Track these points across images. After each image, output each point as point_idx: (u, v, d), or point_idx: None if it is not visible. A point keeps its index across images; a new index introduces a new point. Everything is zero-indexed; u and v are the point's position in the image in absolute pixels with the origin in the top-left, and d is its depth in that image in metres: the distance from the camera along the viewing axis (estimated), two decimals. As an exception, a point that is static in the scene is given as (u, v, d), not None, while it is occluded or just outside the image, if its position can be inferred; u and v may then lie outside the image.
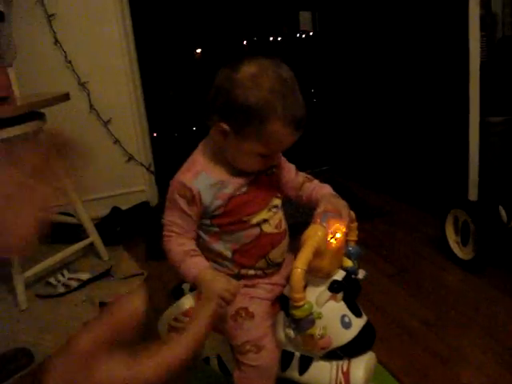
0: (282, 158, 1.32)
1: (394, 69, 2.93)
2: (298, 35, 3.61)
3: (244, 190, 1.21)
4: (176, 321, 1.43)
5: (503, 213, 2.14)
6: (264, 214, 1.23)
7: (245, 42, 3.46)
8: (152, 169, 3.22)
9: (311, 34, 3.59)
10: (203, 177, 1.18)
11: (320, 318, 1.10)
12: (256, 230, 1.22)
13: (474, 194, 2.37)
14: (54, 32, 2.78)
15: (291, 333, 1.10)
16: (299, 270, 1.04)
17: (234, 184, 1.19)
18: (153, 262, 2.58)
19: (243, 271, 1.26)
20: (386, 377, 1.56)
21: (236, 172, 1.20)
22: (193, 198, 1.16)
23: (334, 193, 1.27)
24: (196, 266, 1.17)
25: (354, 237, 1.28)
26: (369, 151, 3.31)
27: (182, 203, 1.17)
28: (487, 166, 2.39)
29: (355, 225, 1.27)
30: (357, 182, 3.23)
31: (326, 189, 1.30)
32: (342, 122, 3.51)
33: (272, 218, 1.24)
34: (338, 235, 1.14)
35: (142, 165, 3.17)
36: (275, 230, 1.26)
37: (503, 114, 2.40)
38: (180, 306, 1.45)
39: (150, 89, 3.22)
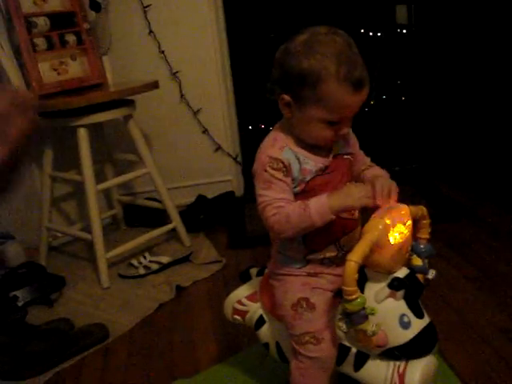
0: (357, 146, 1.30)
1: (488, 67, 2.81)
2: (397, 30, 3.51)
3: (323, 171, 1.20)
4: (240, 304, 1.45)
5: None
6: None
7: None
8: (239, 159, 3.26)
9: (406, 30, 3.48)
10: (287, 150, 1.17)
11: (373, 314, 1.06)
12: None
13: None
14: (149, 22, 2.85)
15: (343, 326, 1.08)
16: (352, 262, 1.02)
17: (314, 161, 1.19)
18: (232, 250, 2.62)
19: (311, 256, 1.24)
20: (453, 381, 1.50)
21: (314, 150, 1.19)
22: (286, 169, 1.16)
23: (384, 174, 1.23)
24: (319, 200, 1.12)
25: (425, 234, 1.23)
26: (460, 150, 3.19)
27: (280, 175, 1.15)
28: None
29: (427, 222, 1.22)
30: (446, 182, 3.12)
31: (378, 170, 1.27)
32: (430, 120, 3.39)
33: None
34: (401, 231, 1.10)
35: (229, 155, 3.21)
36: (348, 216, 1.23)
37: None
38: (245, 289, 1.47)
39: (241, 80, 3.24)
